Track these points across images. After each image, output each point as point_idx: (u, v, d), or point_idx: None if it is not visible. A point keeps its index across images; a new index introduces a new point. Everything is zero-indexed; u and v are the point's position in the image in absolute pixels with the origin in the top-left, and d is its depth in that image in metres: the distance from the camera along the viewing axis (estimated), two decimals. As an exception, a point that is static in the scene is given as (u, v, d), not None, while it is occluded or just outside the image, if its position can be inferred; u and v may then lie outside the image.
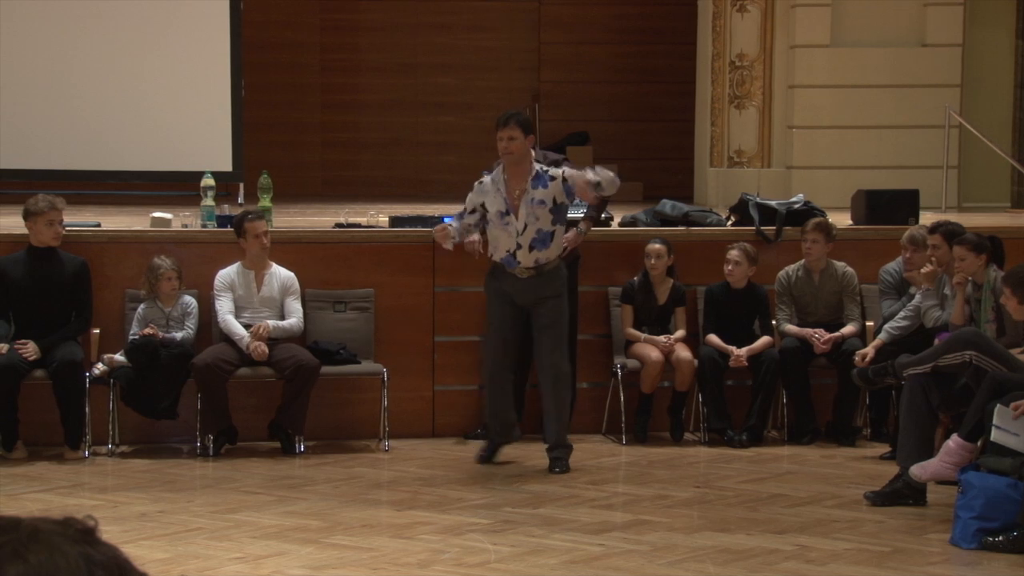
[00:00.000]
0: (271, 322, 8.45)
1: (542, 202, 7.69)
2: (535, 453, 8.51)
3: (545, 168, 7.75)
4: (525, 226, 7.70)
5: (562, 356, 7.90)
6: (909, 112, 12.88)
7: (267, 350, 8.33)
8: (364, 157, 15.72)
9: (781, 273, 9.01)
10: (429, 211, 9.93)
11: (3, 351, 8.06)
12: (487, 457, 8.12)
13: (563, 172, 7.69)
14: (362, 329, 8.87)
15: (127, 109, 12.19)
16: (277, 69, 15.04)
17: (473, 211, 7.89)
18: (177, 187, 11.89)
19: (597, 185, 7.32)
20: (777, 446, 8.78)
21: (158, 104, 12.15)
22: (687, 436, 8.96)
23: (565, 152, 9.69)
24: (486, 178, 7.88)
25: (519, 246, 7.74)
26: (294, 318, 8.57)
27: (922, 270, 8.17)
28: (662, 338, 8.85)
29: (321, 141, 15.57)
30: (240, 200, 11.25)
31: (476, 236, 8.01)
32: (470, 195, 7.90)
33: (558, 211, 7.76)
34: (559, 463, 7.91)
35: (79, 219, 9.29)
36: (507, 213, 7.72)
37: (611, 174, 7.43)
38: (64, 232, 8.41)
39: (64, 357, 8.13)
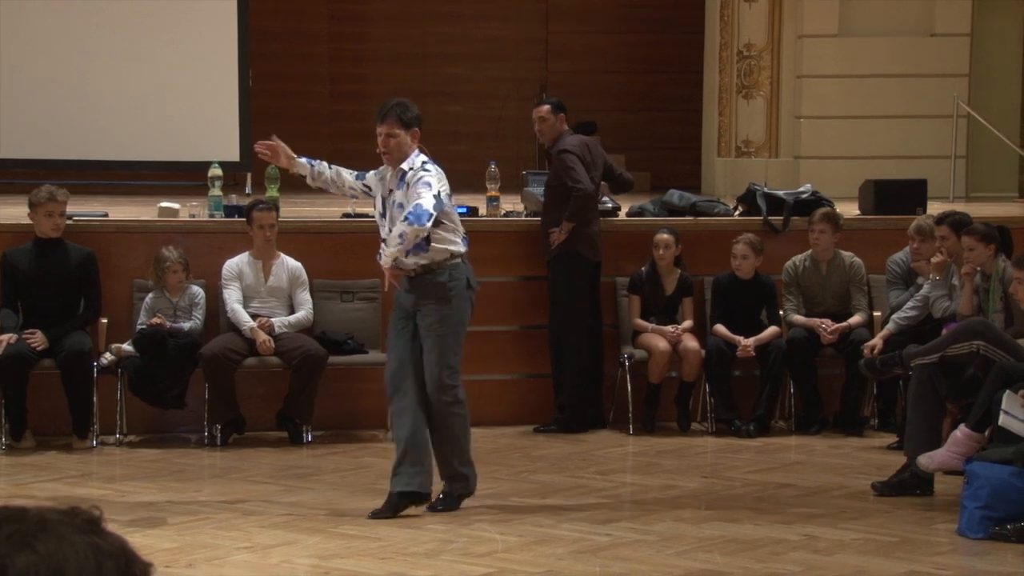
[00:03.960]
0: (277, 320, 8.45)
1: (401, 206, 6.65)
2: (543, 444, 8.52)
3: (418, 167, 6.67)
4: (390, 231, 6.64)
5: (441, 376, 6.70)
6: (917, 102, 12.85)
7: (273, 345, 8.35)
8: (372, 147, 15.65)
9: (788, 263, 9.01)
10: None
11: (11, 341, 8.08)
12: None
13: (410, 180, 6.63)
14: (369, 319, 8.88)
15: (135, 99, 12.20)
16: (286, 59, 15.03)
17: (367, 188, 6.90)
18: (184, 177, 11.90)
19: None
20: (784, 436, 8.78)
21: (166, 94, 12.15)
22: (694, 426, 8.96)
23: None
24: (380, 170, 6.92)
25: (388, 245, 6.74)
26: (303, 311, 8.58)
27: (932, 260, 8.16)
28: (669, 328, 8.84)
29: (329, 131, 15.56)
30: (248, 190, 11.25)
31: (327, 182, 6.93)
32: (372, 174, 6.90)
33: None
34: (442, 500, 6.79)
35: (87, 209, 9.30)
36: (383, 215, 6.77)
37: (397, 238, 6.43)
38: (67, 223, 8.42)
39: (72, 347, 8.15)
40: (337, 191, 6.99)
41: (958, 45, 13.00)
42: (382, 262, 6.61)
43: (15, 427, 8.23)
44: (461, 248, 6.76)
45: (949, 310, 8.01)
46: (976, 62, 13.11)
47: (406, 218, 6.46)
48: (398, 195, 6.67)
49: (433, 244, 6.68)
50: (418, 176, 6.57)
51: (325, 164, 6.94)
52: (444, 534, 6.31)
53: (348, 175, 6.92)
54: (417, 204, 6.46)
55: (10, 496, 7.06)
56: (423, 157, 6.70)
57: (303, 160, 6.90)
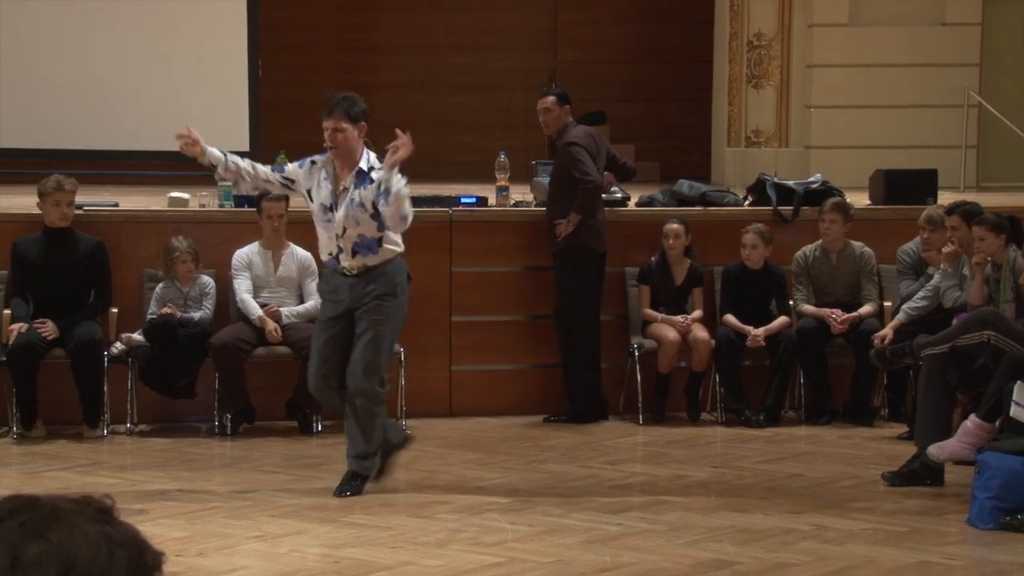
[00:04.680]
0: (285, 309, 8.46)
1: (362, 205, 6.60)
2: (552, 434, 8.53)
3: (373, 165, 6.65)
4: (344, 229, 6.64)
5: (370, 377, 6.68)
6: (928, 91, 12.82)
7: (281, 334, 8.35)
8: (381, 137, 15.69)
9: (798, 253, 8.99)
10: (446, 191, 9.93)
11: (22, 330, 8.09)
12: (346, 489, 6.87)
13: (381, 176, 6.59)
14: (379, 309, 8.87)
15: (145, 89, 12.21)
16: (294, 49, 15.02)
17: (287, 180, 6.81)
18: (194, 167, 11.87)
19: (386, 192, 6.47)
20: (794, 426, 8.77)
21: (176, 84, 12.17)
22: (704, 416, 8.96)
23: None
24: (318, 159, 6.79)
25: (341, 249, 6.70)
26: (312, 301, 8.58)
27: (943, 250, 8.14)
28: (679, 318, 8.84)
29: (338, 121, 15.54)
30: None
31: (241, 182, 6.83)
32: (295, 166, 6.83)
33: (380, 216, 6.61)
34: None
35: (97, 199, 9.31)
36: (330, 208, 6.67)
37: (403, 192, 6.45)
38: (77, 213, 8.43)
39: (82, 336, 8.16)
40: (251, 182, 6.84)
41: (969, 34, 12.96)
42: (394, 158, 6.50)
43: (26, 416, 8.25)
44: (402, 247, 6.82)
45: (960, 300, 8.00)
46: (987, 51, 13.07)
47: (404, 218, 6.50)
48: (357, 194, 6.62)
49: (384, 245, 6.73)
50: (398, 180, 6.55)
51: (238, 158, 6.88)
52: (454, 523, 6.31)
53: (263, 168, 6.87)
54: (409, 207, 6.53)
55: (21, 485, 7.07)
56: (374, 155, 6.67)
57: (214, 150, 6.82)
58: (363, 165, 6.65)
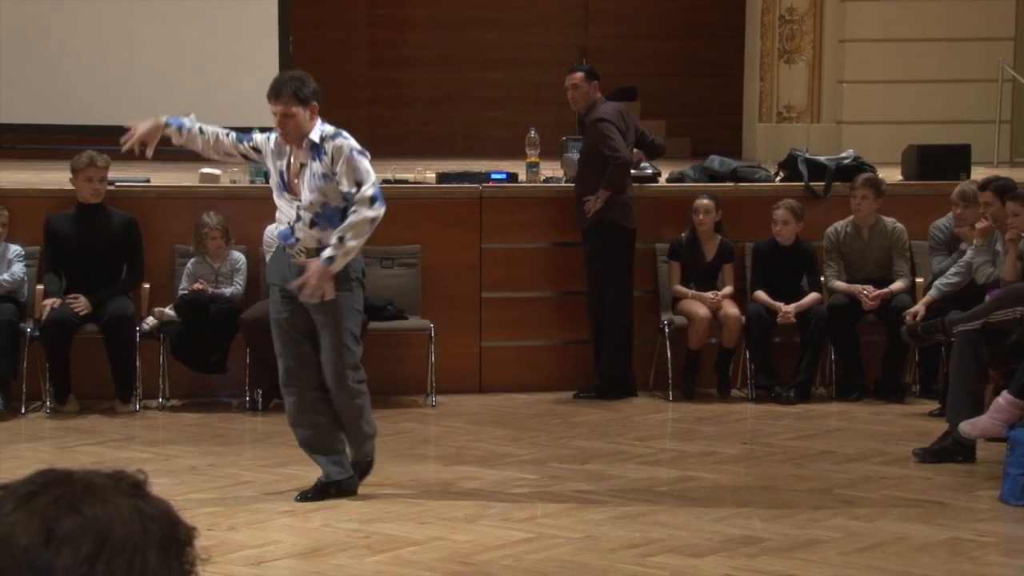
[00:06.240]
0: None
1: (325, 176, 6.16)
2: (582, 410, 8.53)
3: (332, 134, 6.18)
4: (310, 204, 6.18)
5: (343, 366, 6.34)
6: (961, 66, 12.72)
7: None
8: (411, 113, 15.71)
9: (830, 229, 8.96)
10: (476, 167, 9.92)
11: (55, 305, 8.15)
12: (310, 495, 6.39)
13: (333, 152, 6.15)
14: (409, 285, 8.90)
15: (176, 65, 12.24)
16: (325, 25, 15.02)
17: (253, 150, 6.41)
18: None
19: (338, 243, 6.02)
20: (825, 403, 8.75)
21: (207, 60, 12.20)
22: (734, 393, 8.95)
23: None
24: (275, 136, 6.36)
25: (299, 217, 6.20)
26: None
27: (976, 225, 8.10)
28: (710, 294, 8.82)
29: (368, 97, 15.56)
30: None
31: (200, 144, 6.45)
32: (263, 137, 6.40)
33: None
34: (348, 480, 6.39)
35: (129, 175, 9.34)
36: (283, 188, 6.28)
37: (353, 244, 6.05)
38: (109, 189, 8.48)
39: (115, 312, 8.21)
40: (213, 154, 6.51)
41: (1003, 8, 12.86)
42: (334, 262, 6.05)
43: (59, 391, 8.31)
44: None
45: (992, 276, 7.96)
46: (1021, 25, 12.95)
47: (373, 199, 6.06)
48: (316, 166, 6.16)
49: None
50: (348, 146, 6.14)
51: (199, 127, 6.43)
52: (484, 499, 6.33)
53: (226, 137, 6.42)
54: (375, 185, 6.10)
55: (55, 459, 7.13)
56: (328, 126, 6.21)
57: (170, 124, 6.44)
58: (314, 137, 6.17)
